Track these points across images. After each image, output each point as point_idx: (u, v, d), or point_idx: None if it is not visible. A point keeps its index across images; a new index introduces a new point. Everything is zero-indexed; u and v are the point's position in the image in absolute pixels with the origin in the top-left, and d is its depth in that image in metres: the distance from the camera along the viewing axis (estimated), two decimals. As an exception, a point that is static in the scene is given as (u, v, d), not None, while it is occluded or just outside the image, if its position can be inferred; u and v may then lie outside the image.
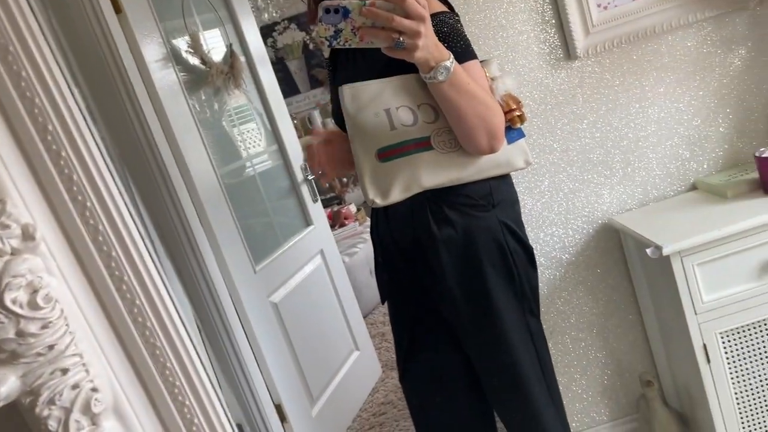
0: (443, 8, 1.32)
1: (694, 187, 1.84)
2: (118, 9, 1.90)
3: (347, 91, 1.25)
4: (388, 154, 1.25)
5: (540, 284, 1.80)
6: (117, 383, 0.75)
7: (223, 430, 0.79)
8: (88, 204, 0.72)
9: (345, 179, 5.01)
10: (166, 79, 2.05)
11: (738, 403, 1.61)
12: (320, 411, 2.50)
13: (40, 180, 0.72)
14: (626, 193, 1.85)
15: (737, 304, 1.55)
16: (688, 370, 1.68)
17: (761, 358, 1.59)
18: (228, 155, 2.39)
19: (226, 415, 0.81)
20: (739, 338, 1.57)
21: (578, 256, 1.89)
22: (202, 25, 2.36)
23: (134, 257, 0.74)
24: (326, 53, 1.46)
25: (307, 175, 2.74)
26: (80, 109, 0.72)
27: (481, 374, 1.43)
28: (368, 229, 1.55)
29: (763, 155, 1.59)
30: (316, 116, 5.47)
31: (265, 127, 2.66)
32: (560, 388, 1.76)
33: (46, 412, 0.71)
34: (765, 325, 1.57)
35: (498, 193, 1.36)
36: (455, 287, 1.34)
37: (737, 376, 1.59)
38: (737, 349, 1.58)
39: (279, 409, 2.23)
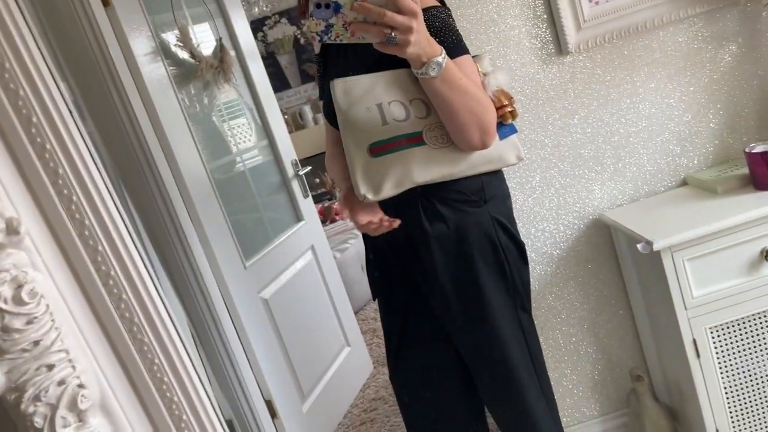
0: (435, 3, 1.31)
1: (684, 183, 1.85)
2: (106, 2, 1.88)
3: (339, 85, 1.24)
4: (380, 149, 1.24)
5: (531, 280, 1.80)
6: (104, 379, 0.74)
7: (211, 426, 0.78)
8: (74, 198, 0.70)
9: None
10: (154, 73, 2.03)
11: (727, 398, 1.62)
12: (311, 407, 2.50)
13: (25, 173, 0.71)
14: (617, 188, 1.85)
15: (727, 299, 1.55)
16: (678, 365, 1.69)
17: (751, 353, 1.60)
18: (218, 150, 2.37)
19: (215, 411, 0.80)
20: (729, 333, 1.58)
21: (569, 251, 1.89)
22: (192, 18, 2.34)
23: (121, 252, 0.73)
24: (317, 49, 1.45)
25: (298, 171, 2.72)
26: (66, 102, 0.71)
27: (472, 369, 1.43)
28: (360, 226, 1.54)
29: (753, 151, 1.60)
30: (307, 111, 5.45)
31: (256, 122, 2.64)
32: (551, 383, 1.77)
33: (31, 409, 0.70)
34: (754, 320, 1.58)
35: (490, 189, 1.35)
36: (447, 283, 1.33)
37: (727, 371, 1.60)
38: (727, 344, 1.59)
39: (269, 405, 2.22)
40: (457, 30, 1.30)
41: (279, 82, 5.44)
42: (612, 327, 1.94)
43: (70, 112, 0.71)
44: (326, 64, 1.43)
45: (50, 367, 0.69)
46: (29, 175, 0.71)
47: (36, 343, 0.69)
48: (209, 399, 0.80)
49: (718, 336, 1.58)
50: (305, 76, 5.55)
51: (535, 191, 1.85)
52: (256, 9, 5.16)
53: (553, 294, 1.92)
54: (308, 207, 2.79)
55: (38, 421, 0.70)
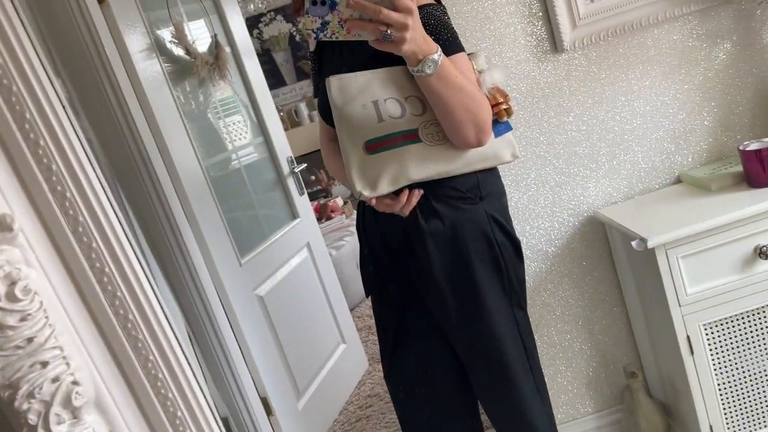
0: (430, 0, 1.31)
1: (679, 180, 1.86)
2: (100, -2, 1.87)
3: (334, 82, 1.24)
4: (375, 146, 1.24)
5: (526, 277, 1.81)
6: (98, 376, 0.74)
7: (206, 423, 0.78)
8: (68, 194, 0.70)
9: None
10: (150, 69, 2.02)
11: (721, 394, 1.62)
12: (306, 404, 2.50)
13: (18, 170, 0.70)
14: (612, 186, 1.86)
15: (721, 296, 1.56)
16: (672, 362, 1.70)
17: (744, 350, 1.60)
18: (213, 147, 2.37)
19: (210, 408, 0.80)
20: (723, 330, 1.59)
21: (564, 248, 1.89)
22: (187, 15, 2.33)
23: (115, 249, 0.73)
24: (312, 46, 1.45)
25: (294, 168, 2.72)
26: (59, 98, 0.71)
27: (467, 366, 1.43)
28: (355, 222, 1.54)
29: (747, 148, 1.60)
30: (303, 108, 5.44)
31: (251, 119, 2.64)
32: (546, 380, 1.77)
33: (25, 406, 0.69)
34: (748, 317, 1.58)
35: (485, 186, 1.36)
36: (443, 280, 1.33)
37: (720, 368, 1.61)
38: (720, 341, 1.60)
39: (265, 402, 2.22)
40: (453, 27, 1.30)
41: (274, 80, 5.43)
42: (606, 324, 1.95)
43: (64, 108, 0.70)
44: (321, 61, 1.43)
45: (44, 364, 0.69)
46: (22, 172, 0.71)
47: (30, 340, 0.68)
48: (204, 396, 0.80)
49: (712, 333, 1.59)
50: (301, 74, 5.54)
51: (530, 188, 1.86)
52: (252, 6, 5.15)
53: (547, 291, 1.92)
54: (304, 204, 2.79)
55: (32, 418, 0.70)
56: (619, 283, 1.91)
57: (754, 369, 1.62)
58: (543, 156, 1.83)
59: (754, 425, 1.65)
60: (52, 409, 0.69)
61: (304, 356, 2.57)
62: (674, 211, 1.63)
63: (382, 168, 1.24)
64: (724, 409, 1.63)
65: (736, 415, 1.64)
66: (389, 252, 1.40)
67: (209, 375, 2.09)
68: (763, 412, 1.64)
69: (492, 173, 1.40)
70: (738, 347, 1.60)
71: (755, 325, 1.59)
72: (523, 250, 1.54)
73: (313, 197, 5.00)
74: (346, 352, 2.89)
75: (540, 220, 1.87)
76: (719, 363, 1.61)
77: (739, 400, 1.64)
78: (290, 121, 5.43)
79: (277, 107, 3.05)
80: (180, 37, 2.21)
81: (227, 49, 2.47)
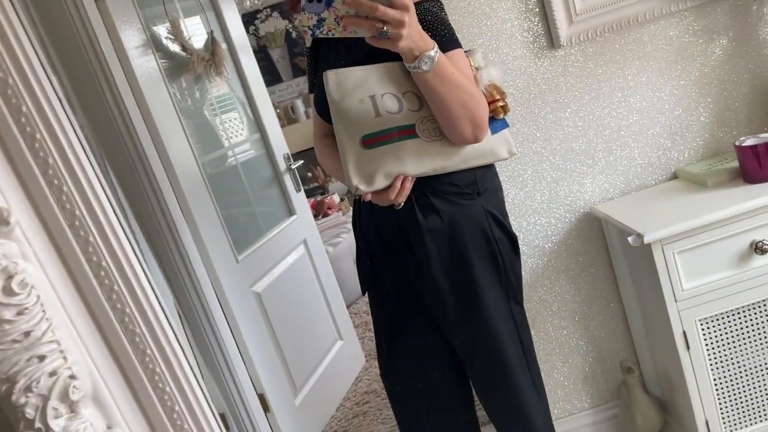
0: (427, -4, 1.31)
1: (675, 176, 1.86)
2: (96, -6, 1.86)
3: (332, 77, 1.24)
4: (373, 141, 1.24)
5: (523, 272, 1.81)
6: (96, 370, 0.74)
7: (204, 418, 0.78)
8: (65, 188, 0.70)
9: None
10: (145, 66, 2.02)
11: (717, 389, 1.63)
12: (303, 400, 2.50)
13: (15, 163, 0.70)
14: (608, 182, 1.86)
15: (717, 291, 1.56)
16: (668, 357, 1.70)
17: (740, 345, 1.61)
18: (210, 144, 2.36)
19: (208, 402, 0.80)
20: (719, 325, 1.60)
21: (561, 244, 1.90)
22: (183, 11, 2.33)
23: (112, 242, 0.73)
24: (308, 42, 1.45)
25: (290, 165, 2.72)
26: (56, 92, 0.71)
27: (465, 361, 1.44)
28: (351, 219, 1.54)
29: (743, 144, 1.61)
30: (299, 105, 5.44)
31: (248, 116, 2.63)
32: (542, 375, 1.78)
33: (23, 400, 0.69)
34: (744, 312, 1.59)
35: (483, 182, 1.36)
36: (441, 276, 1.34)
37: (716, 363, 1.62)
38: (716, 336, 1.60)
39: (262, 398, 2.22)
40: (450, 24, 1.30)
41: (271, 76, 5.42)
42: (603, 319, 1.95)
43: (60, 102, 0.70)
44: (317, 57, 1.43)
45: (41, 358, 0.69)
46: (19, 166, 0.70)
47: (27, 334, 0.68)
48: (201, 390, 0.80)
49: (708, 328, 1.60)
50: (297, 70, 5.53)
51: (526, 185, 1.86)
52: (248, 2, 5.14)
53: (544, 287, 1.92)
54: (300, 201, 2.78)
55: (29, 412, 0.70)
56: (616, 279, 1.92)
57: (749, 364, 1.62)
58: (540, 152, 1.84)
59: (750, 420, 1.66)
60: (50, 403, 0.69)
61: (301, 353, 2.57)
62: (670, 207, 1.64)
63: (379, 163, 1.24)
64: (720, 404, 1.64)
65: (732, 410, 1.65)
66: (384, 246, 1.40)
67: (207, 371, 2.08)
68: (758, 407, 1.65)
69: (489, 169, 1.40)
70: (734, 342, 1.61)
71: (751, 320, 1.59)
72: (520, 246, 1.55)
73: (309, 194, 5.00)
74: (343, 349, 2.90)
75: (537, 216, 1.88)
76: (715, 358, 1.61)
77: (734, 395, 1.64)
78: (287, 117, 5.43)
79: (273, 104, 3.05)
80: (176, 34, 2.21)
81: (223, 46, 2.46)
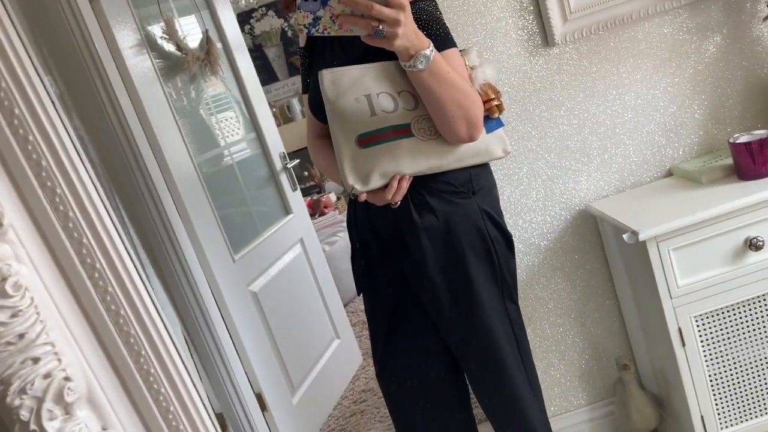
0: (422, -5, 1.31)
1: (670, 173, 1.86)
2: (90, -7, 1.86)
3: (327, 75, 1.24)
4: (368, 140, 1.24)
5: (518, 270, 1.81)
6: (90, 372, 0.74)
7: (199, 418, 0.78)
8: (58, 190, 0.70)
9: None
10: (140, 65, 2.01)
11: (712, 385, 1.64)
12: (301, 399, 2.50)
13: (8, 166, 0.70)
14: (603, 179, 1.87)
15: (712, 288, 1.57)
16: (663, 354, 1.71)
17: (735, 341, 1.62)
18: (205, 143, 2.36)
19: (203, 403, 0.80)
20: (714, 322, 1.60)
21: (556, 242, 1.90)
22: (178, 11, 2.32)
23: (106, 244, 0.73)
24: (302, 42, 1.45)
25: (286, 164, 2.72)
26: (49, 94, 0.71)
27: (461, 360, 1.44)
28: (347, 219, 1.54)
29: (737, 141, 1.61)
30: (295, 104, 5.43)
31: (244, 115, 2.63)
32: (539, 373, 1.78)
33: (17, 402, 0.69)
34: (739, 308, 1.60)
35: (478, 180, 1.36)
36: (436, 274, 1.34)
37: (711, 359, 1.62)
38: (711, 333, 1.61)
39: (259, 398, 2.22)
40: (445, 23, 1.30)
41: (266, 75, 5.41)
42: (599, 317, 1.96)
43: (53, 103, 0.70)
44: (312, 57, 1.43)
45: (36, 360, 0.69)
46: (12, 168, 0.70)
47: (21, 336, 0.68)
48: (196, 390, 0.80)
49: (703, 324, 1.60)
50: (293, 69, 5.52)
51: (522, 183, 1.86)
52: (243, 1, 5.12)
53: (540, 284, 1.93)
54: (297, 200, 2.78)
55: (24, 414, 0.70)
56: (611, 276, 1.92)
57: (744, 360, 1.63)
58: (535, 150, 1.84)
59: (745, 415, 1.67)
60: (44, 405, 0.69)
61: (299, 352, 2.57)
62: (665, 204, 1.64)
63: (375, 162, 1.24)
64: (716, 400, 1.65)
65: (727, 406, 1.66)
66: (381, 245, 1.41)
67: (204, 371, 2.08)
68: (753, 403, 1.66)
69: (484, 168, 1.41)
70: (729, 338, 1.62)
71: (746, 316, 1.60)
72: (516, 244, 1.55)
73: (306, 193, 4.99)
74: (340, 348, 2.90)
75: (532, 213, 1.88)
76: (710, 354, 1.62)
77: (730, 391, 1.65)
78: (282, 116, 5.42)
79: (269, 103, 3.05)
80: (171, 33, 2.20)
81: (218, 45, 2.46)
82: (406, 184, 1.28)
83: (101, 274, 0.73)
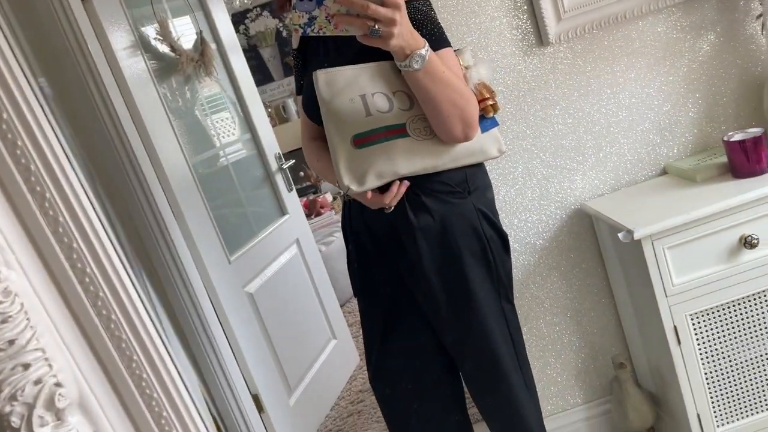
0: (416, -5, 1.31)
1: (664, 172, 1.87)
2: (83, -5, 1.85)
3: (322, 76, 1.23)
4: (363, 140, 1.24)
5: (514, 270, 1.81)
6: (82, 378, 0.73)
7: (191, 422, 0.78)
8: (47, 195, 0.69)
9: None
10: (134, 67, 2.00)
11: (708, 383, 1.64)
12: (298, 400, 2.50)
13: (-4, 170, 0.70)
14: (598, 178, 1.87)
15: (707, 286, 1.57)
16: (659, 352, 1.71)
17: (730, 339, 1.62)
18: (201, 144, 2.35)
19: (195, 407, 0.80)
20: (709, 320, 1.60)
21: (552, 241, 1.90)
22: (171, 12, 2.32)
23: (97, 249, 0.73)
24: (295, 44, 1.44)
25: (282, 164, 2.71)
26: (37, 97, 0.70)
27: (457, 360, 1.44)
28: (341, 221, 1.54)
29: (732, 139, 1.61)
30: (291, 104, 5.42)
31: (239, 115, 2.63)
32: (535, 372, 1.78)
33: (8, 408, 0.69)
34: (734, 306, 1.60)
35: (473, 180, 1.36)
36: (433, 275, 1.34)
37: (707, 357, 1.62)
38: (707, 331, 1.61)
39: (256, 399, 2.22)
40: (439, 23, 1.30)
41: (262, 75, 5.40)
42: (595, 315, 1.96)
43: (42, 107, 0.70)
44: (306, 58, 1.42)
45: (26, 366, 0.69)
46: (1, 172, 0.70)
47: (11, 342, 0.68)
48: (189, 394, 0.80)
49: (699, 322, 1.60)
50: (288, 69, 5.51)
51: (517, 182, 1.86)
52: (237, 2, 5.11)
53: (536, 284, 1.93)
54: (292, 200, 2.78)
55: (15, 420, 0.69)
56: (607, 275, 1.92)
57: (740, 358, 1.63)
58: (530, 149, 1.84)
59: (741, 413, 1.67)
60: (35, 411, 0.69)
61: (295, 352, 2.57)
62: (660, 203, 1.64)
63: (370, 162, 1.24)
64: (711, 397, 1.65)
65: (724, 404, 1.66)
66: (377, 245, 1.40)
67: (200, 373, 2.08)
68: (749, 401, 1.66)
69: (479, 168, 1.41)
70: (724, 336, 1.62)
71: (741, 314, 1.60)
72: (512, 244, 1.55)
73: (302, 193, 4.99)
74: (336, 348, 2.90)
75: (528, 213, 1.88)
76: (706, 352, 1.62)
77: (726, 388, 1.65)
78: (278, 117, 5.41)
79: (264, 103, 3.04)
80: (164, 34, 2.20)
81: (213, 46, 2.45)
82: (404, 189, 1.28)
83: (92, 279, 0.73)
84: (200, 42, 2.37)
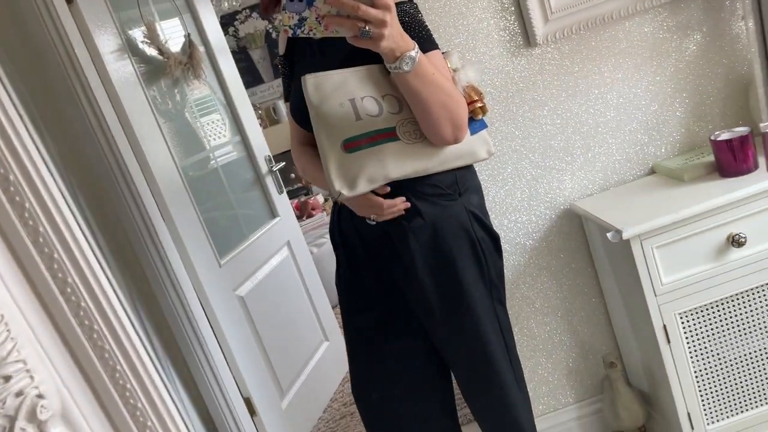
0: (404, -2, 1.30)
1: (652, 171, 1.87)
2: (69, -1, 1.84)
3: (310, 80, 1.23)
4: (354, 144, 1.24)
5: (505, 270, 1.81)
6: (64, 389, 0.72)
7: (177, 431, 0.77)
8: (27, 204, 0.69)
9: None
10: (122, 71, 1.99)
11: (698, 382, 1.64)
12: (290, 403, 2.49)
13: (-26, 180, 0.69)
14: (587, 178, 1.87)
15: (695, 285, 1.58)
16: (649, 351, 1.71)
17: (719, 337, 1.63)
18: (191, 147, 2.34)
19: (181, 416, 0.79)
20: (698, 318, 1.61)
21: (542, 241, 1.90)
22: (159, 14, 2.30)
23: (78, 258, 0.72)
24: (282, 49, 1.43)
25: (272, 167, 2.70)
26: (13, 103, 0.69)
27: (449, 362, 1.44)
28: (329, 227, 1.54)
29: (719, 138, 1.62)
30: (281, 106, 5.41)
31: (229, 118, 2.61)
32: (527, 371, 1.78)
33: (-11, 421, 0.68)
34: (723, 304, 1.60)
35: (463, 182, 1.36)
36: (425, 277, 1.33)
37: (696, 356, 1.63)
38: (696, 329, 1.62)
39: (248, 402, 2.21)
40: (426, 25, 1.30)
41: (251, 77, 5.39)
42: (585, 315, 1.96)
43: (18, 113, 0.69)
44: (293, 63, 1.42)
45: (7, 378, 0.68)
46: (-22, 182, 0.69)
47: (-9, 354, 0.67)
48: (174, 403, 0.79)
49: (688, 321, 1.61)
50: (278, 71, 5.49)
51: (506, 183, 1.86)
52: (226, 4, 5.09)
53: (526, 284, 1.93)
54: (283, 203, 2.77)
55: (-3, 433, 0.69)
56: (597, 274, 1.93)
57: (729, 356, 1.64)
58: (519, 150, 1.84)
59: (731, 411, 1.68)
60: (17, 424, 0.68)
61: (287, 355, 2.56)
62: (648, 202, 1.65)
63: (361, 166, 1.24)
64: (702, 396, 1.66)
65: (713, 402, 1.67)
66: (367, 249, 1.40)
67: (191, 377, 2.07)
68: (739, 398, 1.67)
69: (469, 169, 1.41)
70: (714, 335, 1.62)
71: (730, 312, 1.61)
72: (502, 245, 1.54)
73: (293, 195, 4.98)
74: (329, 350, 2.89)
75: (517, 213, 1.88)
76: (695, 351, 1.63)
77: (715, 387, 1.66)
78: (269, 118, 5.39)
79: (254, 105, 3.03)
80: (152, 37, 2.18)
81: (201, 48, 2.44)
82: (403, 208, 1.30)
83: (73, 289, 0.72)
84: (188, 45, 2.36)
